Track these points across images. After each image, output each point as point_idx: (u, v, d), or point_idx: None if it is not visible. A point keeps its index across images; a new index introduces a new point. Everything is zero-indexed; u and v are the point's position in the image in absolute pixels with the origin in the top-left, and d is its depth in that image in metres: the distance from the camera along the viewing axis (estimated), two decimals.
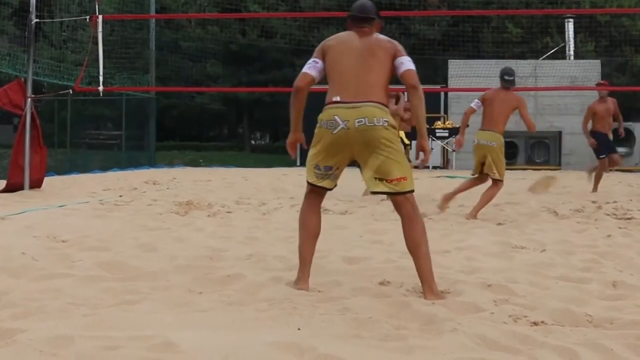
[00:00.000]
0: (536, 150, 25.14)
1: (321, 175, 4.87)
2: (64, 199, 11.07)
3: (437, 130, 23.60)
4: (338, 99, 4.81)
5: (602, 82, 14.78)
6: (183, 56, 32.14)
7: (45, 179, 13.22)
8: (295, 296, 4.48)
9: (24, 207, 9.72)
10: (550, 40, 28.98)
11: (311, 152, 4.90)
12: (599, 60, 25.93)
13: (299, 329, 3.72)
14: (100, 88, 12.51)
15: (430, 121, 23.85)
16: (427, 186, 14.71)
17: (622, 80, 28.50)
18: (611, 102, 13.67)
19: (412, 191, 4.71)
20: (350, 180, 14.34)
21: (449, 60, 26.05)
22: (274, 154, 33.21)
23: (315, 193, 4.96)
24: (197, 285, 4.89)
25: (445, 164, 25.19)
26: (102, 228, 7.70)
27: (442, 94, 25.48)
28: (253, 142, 43.12)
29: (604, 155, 13.53)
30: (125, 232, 7.42)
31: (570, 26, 26.86)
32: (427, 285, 4.61)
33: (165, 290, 4.71)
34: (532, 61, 25.84)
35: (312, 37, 30.31)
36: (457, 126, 23.70)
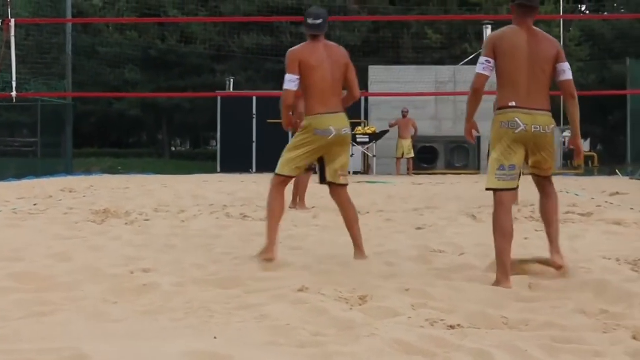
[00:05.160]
0: (456, 155, 25.44)
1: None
2: None
3: (357, 136, 23.70)
4: (514, 104, 5.19)
5: None
6: (101, 62, 31.67)
7: None
8: (212, 304, 4.43)
9: None
10: (469, 46, 29.43)
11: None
12: None
13: (215, 338, 3.67)
14: (13, 94, 12.22)
15: (351, 127, 23.89)
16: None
17: None
18: None
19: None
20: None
21: (370, 66, 26.18)
22: (195, 161, 32.98)
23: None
24: (112, 295, 4.80)
25: (366, 170, 25.34)
26: (15, 238, 7.50)
27: (363, 99, 25.61)
28: (173, 148, 42.77)
29: None
30: (40, 241, 7.25)
31: (488, 32, 27.23)
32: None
33: (79, 301, 4.61)
34: (452, 67, 26.18)
35: (232, 43, 30.22)
36: (378, 131, 23.92)
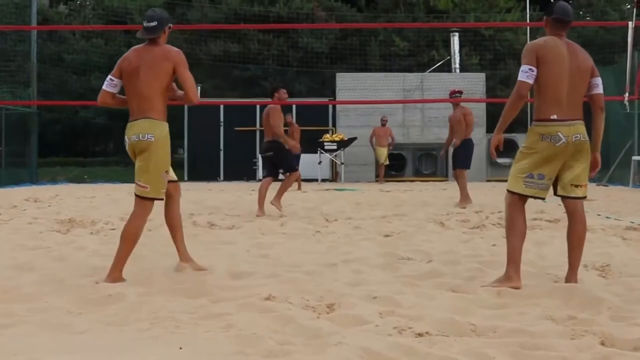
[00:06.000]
0: (423, 161, 25.49)
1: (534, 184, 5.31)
2: None
3: (325, 143, 23.71)
4: (555, 117, 5.24)
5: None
6: (67, 69, 31.37)
7: None
8: (178, 314, 4.38)
9: None
10: (436, 53, 29.54)
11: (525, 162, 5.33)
12: (483, 73, 26.54)
13: (180, 348, 3.62)
14: None
15: (319, 134, 23.96)
16: (315, 199, 14.73)
17: (506, 93, 29.26)
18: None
19: None
20: (238, 195, 14.19)
21: (337, 74, 26.19)
22: None
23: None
24: (77, 306, 4.73)
25: (334, 177, 25.33)
26: None
27: (330, 107, 25.62)
28: None
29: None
30: (3, 252, 7.14)
31: (455, 40, 27.41)
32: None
33: (43, 312, 4.54)
34: (419, 74, 26.25)
35: (199, 50, 30.08)
36: (346, 139, 23.94)
